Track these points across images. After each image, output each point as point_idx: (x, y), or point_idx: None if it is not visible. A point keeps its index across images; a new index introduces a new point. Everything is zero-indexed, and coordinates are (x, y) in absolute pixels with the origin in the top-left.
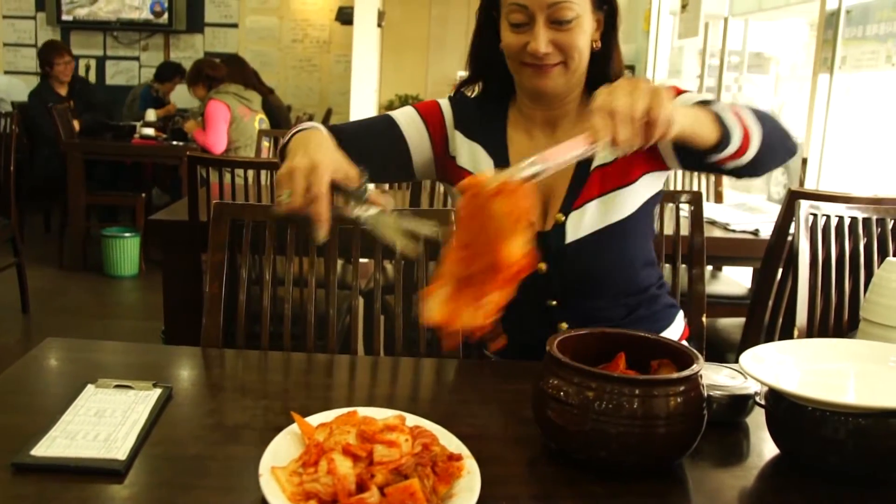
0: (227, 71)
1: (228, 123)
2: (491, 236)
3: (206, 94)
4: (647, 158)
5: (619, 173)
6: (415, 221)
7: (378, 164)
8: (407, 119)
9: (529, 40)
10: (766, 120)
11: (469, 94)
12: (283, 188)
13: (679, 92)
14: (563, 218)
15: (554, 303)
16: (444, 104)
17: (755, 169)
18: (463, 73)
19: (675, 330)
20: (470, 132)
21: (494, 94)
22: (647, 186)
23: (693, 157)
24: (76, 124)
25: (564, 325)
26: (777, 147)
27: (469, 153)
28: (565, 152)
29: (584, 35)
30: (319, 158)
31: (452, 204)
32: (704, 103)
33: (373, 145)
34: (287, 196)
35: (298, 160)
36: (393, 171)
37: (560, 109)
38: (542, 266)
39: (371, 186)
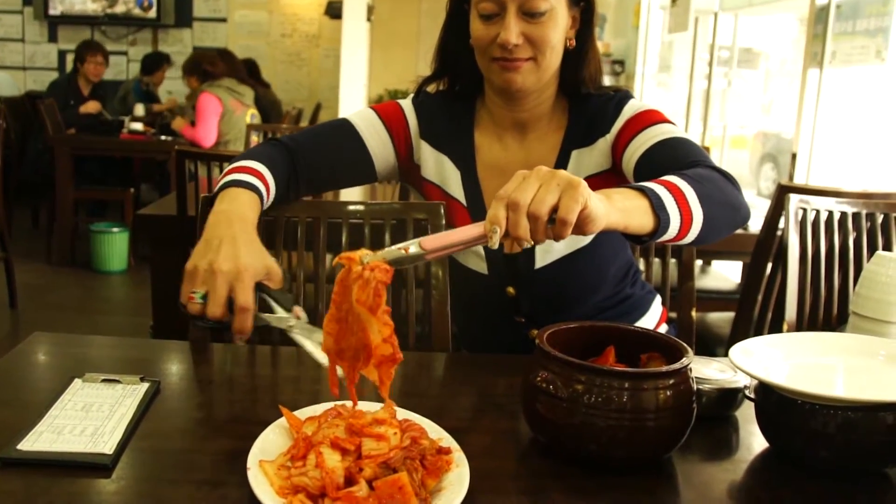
0: (224, 68)
1: (219, 116)
2: (356, 318)
3: (199, 86)
4: (619, 180)
5: None
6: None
7: (339, 174)
8: (368, 125)
9: (500, 32)
10: (713, 197)
11: (431, 90)
12: (197, 287)
13: (654, 121)
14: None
15: (522, 320)
16: (408, 109)
17: (695, 244)
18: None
19: (652, 317)
20: (436, 142)
21: (460, 93)
22: None
23: None
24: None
25: (534, 332)
26: (721, 225)
27: (435, 165)
28: (453, 238)
29: (558, 30)
30: (246, 262)
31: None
32: (641, 189)
33: (333, 156)
34: (200, 297)
35: (221, 261)
36: (355, 178)
37: (531, 111)
38: (511, 290)
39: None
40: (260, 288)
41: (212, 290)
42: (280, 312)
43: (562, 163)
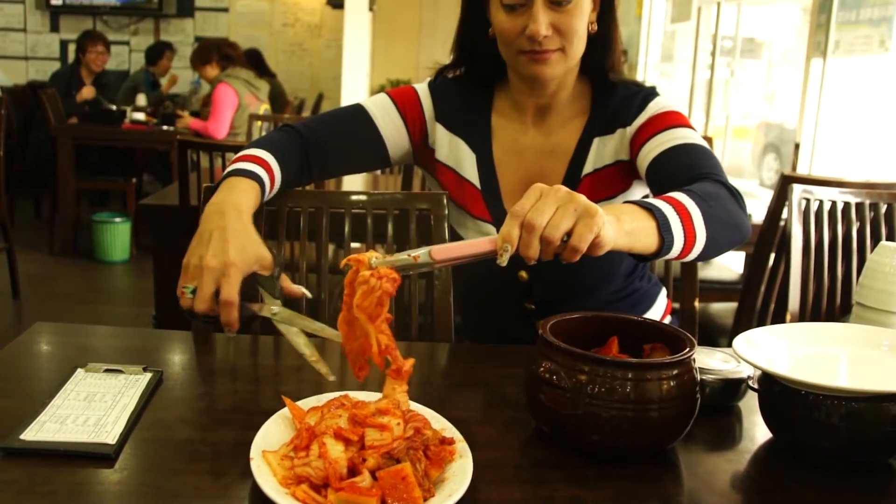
0: (241, 53)
1: (234, 110)
2: (359, 323)
3: (217, 76)
4: (634, 173)
5: (611, 181)
6: (318, 326)
7: (353, 159)
8: (382, 111)
9: (527, 24)
10: (718, 218)
11: (450, 76)
12: (188, 282)
13: (674, 123)
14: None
15: (532, 307)
16: (423, 92)
17: (694, 262)
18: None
19: (658, 309)
20: (452, 125)
21: (478, 78)
22: (638, 193)
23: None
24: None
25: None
26: (722, 245)
27: (450, 148)
28: (463, 251)
29: (584, 18)
30: (232, 257)
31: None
32: (650, 209)
33: (346, 142)
34: (190, 292)
35: (210, 257)
36: (368, 163)
37: (554, 96)
38: (524, 274)
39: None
40: (251, 278)
41: (199, 287)
42: (268, 300)
43: (582, 149)
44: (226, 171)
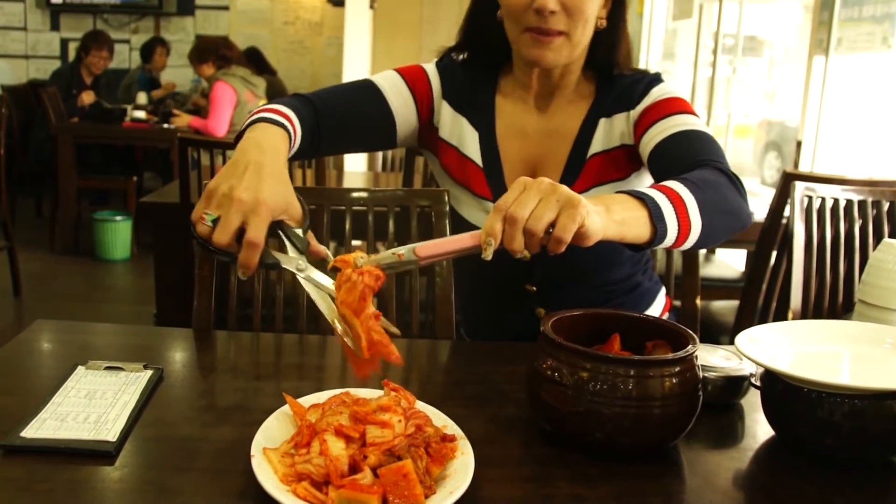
0: (238, 52)
1: (234, 107)
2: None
3: (214, 74)
4: (638, 159)
5: (617, 163)
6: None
7: (360, 133)
8: (392, 87)
9: None
10: (714, 205)
11: (455, 58)
12: (211, 209)
13: (677, 110)
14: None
15: (533, 289)
16: (431, 71)
17: (692, 250)
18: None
19: (657, 308)
20: (457, 104)
21: (484, 63)
22: (643, 179)
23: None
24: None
25: (542, 311)
26: (719, 233)
27: (453, 126)
28: (447, 247)
29: (593, 4)
30: (266, 196)
31: (435, 183)
32: (641, 198)
33: (354, 115)
34: (211, 220)
35: (242, 189)
36: (375, 139)
37: (558, 81)
38: (526, 253)
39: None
40: (277, 225)
41: (224, 217)
42: (292, 253)
43: (587, 130)
44: (251, 119)
